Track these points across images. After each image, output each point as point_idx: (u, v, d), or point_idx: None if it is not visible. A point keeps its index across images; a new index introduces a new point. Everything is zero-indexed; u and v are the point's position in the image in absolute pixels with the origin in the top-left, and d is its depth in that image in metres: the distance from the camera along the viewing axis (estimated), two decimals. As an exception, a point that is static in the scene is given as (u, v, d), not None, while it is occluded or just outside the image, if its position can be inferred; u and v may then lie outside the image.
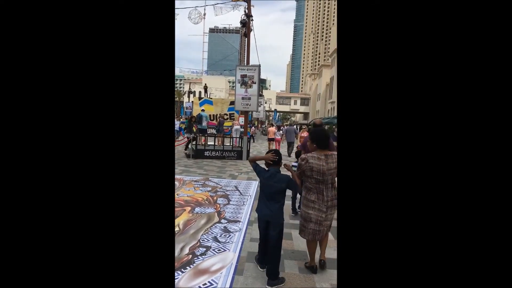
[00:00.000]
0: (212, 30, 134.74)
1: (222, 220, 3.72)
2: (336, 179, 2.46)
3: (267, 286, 2.28)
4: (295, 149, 9.19)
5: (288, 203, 4.43)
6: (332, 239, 3.29)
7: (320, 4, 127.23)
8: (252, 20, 10.93)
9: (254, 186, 5.72)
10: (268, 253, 2.37)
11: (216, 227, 3.49)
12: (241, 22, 11.03)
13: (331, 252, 2.97)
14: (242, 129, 11.22)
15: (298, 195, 3.57)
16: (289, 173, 2.48)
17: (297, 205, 4.28)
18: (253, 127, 12.05)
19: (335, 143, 4.30)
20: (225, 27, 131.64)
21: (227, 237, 3.19)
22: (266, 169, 2.44)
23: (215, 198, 4.78)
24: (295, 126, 14.12)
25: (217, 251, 2.85)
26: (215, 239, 3.14)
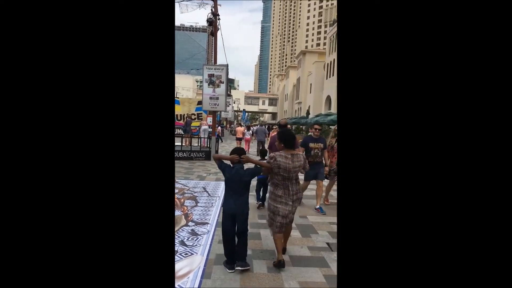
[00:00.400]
0: (178, 28, 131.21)
1: (190, 223, 3.63)
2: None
3: (236, 268, 2.47)
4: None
5: (253, 202, 4.45)
6: (299, 237, 3.36)
7: (286, 6, 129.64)
8: (219, 19, 10.83)
9: (222, 187, 5.66)
10: (238, 239, 2.55)
11: (183, 230, 3.40)
12: (207, 21, 10.88)
13: (298, 249, 3.03)
14: (210, 129, 11.08)
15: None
16: (251, 165, 2.69)
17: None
18: (219, 127, 11.97)
19: (319, 144, 4.34)
20: (191, 25, 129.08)
21: (195, 240, 3.12)
22: (231, 166, 2.59)
23: (182, 200, 4.66)
24: (264, 126, 14.29)
25: (184, 255, 2.77)
26: (182, 243, 3.05)
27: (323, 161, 4.48)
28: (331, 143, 4.49)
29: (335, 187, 4.66)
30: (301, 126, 22.19)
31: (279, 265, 2.58)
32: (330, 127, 14.29)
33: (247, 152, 3.76)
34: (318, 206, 4.38)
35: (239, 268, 2.48)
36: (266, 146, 10.48)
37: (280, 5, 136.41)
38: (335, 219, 4.06)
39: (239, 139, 12.86)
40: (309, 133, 10.52)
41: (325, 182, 4.62)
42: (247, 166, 2.64)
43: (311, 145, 4.34)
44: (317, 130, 4.47)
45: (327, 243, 3.22)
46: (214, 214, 4.03)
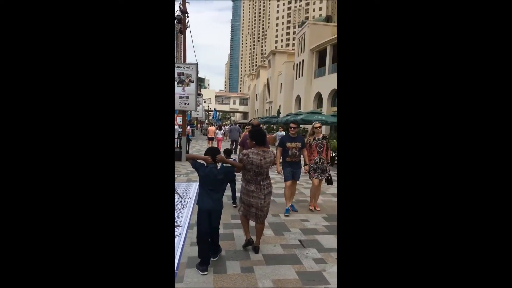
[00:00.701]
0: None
1: (160, 226, 3.51)
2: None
3: (212, 259, 2.64)
4: (238, 147, 9.25)
5: (227, 202, 4.42)
6: (272, 236, 3.39)
7: (255, 6, 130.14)
8: (187, 16, 10.60)
9: (194, 187, 5.55)
10: (212, 236, 2.66)
11: (153, 234, 3.27)
12: (176, 18, 10.59)
13: (271, 248, 3.05)
14: (181, 129, 10.83)
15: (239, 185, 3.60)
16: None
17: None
18: (188, 127, 11.77)
19: (297, 144, 4.19)
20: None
21: (166, 244, 3.02)
22: (205, 164, 2.66)
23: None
24: (237, 126, 14.24)
25: (155, 260, 2.67)
26: (152, 247, 2.94)
27: (301, 160, 4.38)
28: (309, 141, 4.42)
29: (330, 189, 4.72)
30: (272, 125, 22.43)
31: (248, 243, 2.88)
32: (300, 126, 14.60)
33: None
34: (290, 204, 4.45)
35: (214, 259, 2.66)
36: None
37: (249, 5, 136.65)
38: (306, 217, 4.16)
39: (211, 139, 12.77)
40: (278, 131, 10.64)
41: (303, 183, 4.68)
42: (218, 164, 2.71)
43: (289, 144, 4.23)
44: (293, 129, 4.34)
45: (299, 240, 3.28)
46: (186, 216, 3.93)
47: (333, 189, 5.39)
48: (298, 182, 4.62)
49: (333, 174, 4.61)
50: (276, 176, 5.27)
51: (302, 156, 4.35)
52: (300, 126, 14.54)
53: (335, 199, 5.23)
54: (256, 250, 2.89)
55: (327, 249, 3.07)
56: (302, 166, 4.42)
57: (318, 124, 4.51)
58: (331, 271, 2.59)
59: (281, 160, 4.22)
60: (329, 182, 4.49)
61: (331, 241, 3.28)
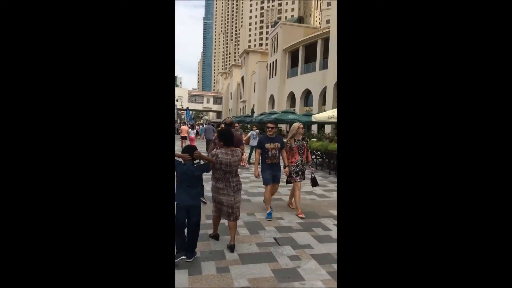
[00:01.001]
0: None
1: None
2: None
3: (187, 260, 2.62)
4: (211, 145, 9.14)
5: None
6: (247, 235, 3.39)
7: (228, 4, 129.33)
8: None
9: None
10: (189, 233, 2.71)
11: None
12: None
13: (246, 247, 3.06)
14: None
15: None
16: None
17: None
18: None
19: (276, 144, 4.05)
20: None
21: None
22: (183, 162, 2.74)
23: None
24: (211, 125, 14.12)
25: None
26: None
27: (280, 162, 4.16)
28: (290, 144, 4.28)
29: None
30: (246, 125, 22.46)
31: (215, 238, 3.16)
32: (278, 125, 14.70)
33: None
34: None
35: (189, 260, 2.64)
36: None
37: (222, 3, 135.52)
38: (281, 215, 4.21)
39: (184, 138, 12.62)
40: (252, 130, 10.68)
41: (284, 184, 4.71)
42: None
43: (268, 146, 4.04)
44: (271, 129, 4.11)
45: (274, 238, 3.32)
46: (159, 218, 3.82)
47: (307, 187, 5.49)
48: (273, 181, 4.63)
49: (312, 173, 4.70)
50: (251, 175, 5.28)
51: (281, 157, 4.20)
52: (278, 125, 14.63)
53: (309, 197, 5.34)
54: (232, 249, 2.90)
55: (301, 245, 3.13)
56: (282, 168, 4.26)
57: (302, 126, 4.40)
58: (305, 268, 2.65)
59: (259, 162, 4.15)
60: (314, 183, 4.46)
61: (305, 238, 3.36)
